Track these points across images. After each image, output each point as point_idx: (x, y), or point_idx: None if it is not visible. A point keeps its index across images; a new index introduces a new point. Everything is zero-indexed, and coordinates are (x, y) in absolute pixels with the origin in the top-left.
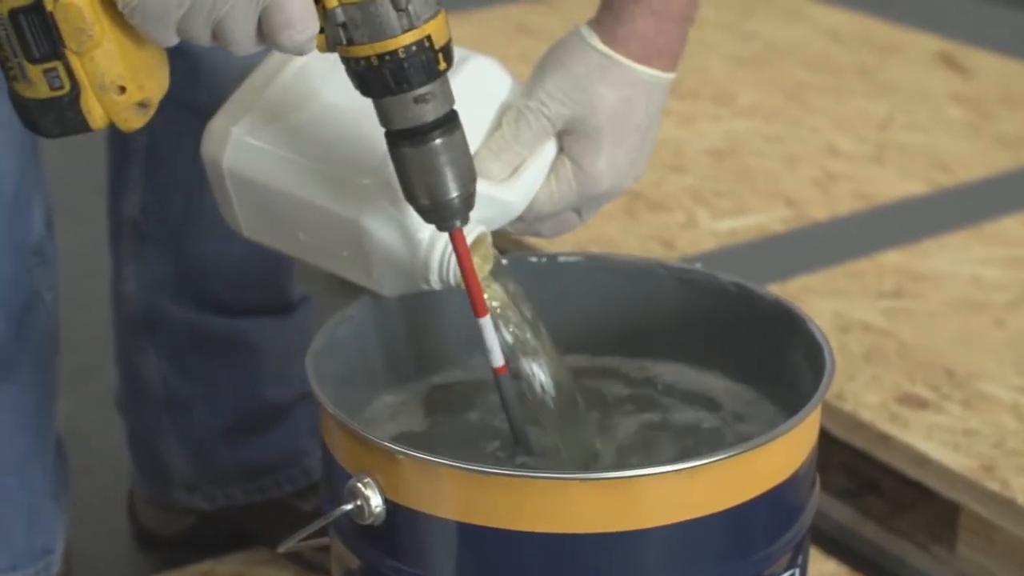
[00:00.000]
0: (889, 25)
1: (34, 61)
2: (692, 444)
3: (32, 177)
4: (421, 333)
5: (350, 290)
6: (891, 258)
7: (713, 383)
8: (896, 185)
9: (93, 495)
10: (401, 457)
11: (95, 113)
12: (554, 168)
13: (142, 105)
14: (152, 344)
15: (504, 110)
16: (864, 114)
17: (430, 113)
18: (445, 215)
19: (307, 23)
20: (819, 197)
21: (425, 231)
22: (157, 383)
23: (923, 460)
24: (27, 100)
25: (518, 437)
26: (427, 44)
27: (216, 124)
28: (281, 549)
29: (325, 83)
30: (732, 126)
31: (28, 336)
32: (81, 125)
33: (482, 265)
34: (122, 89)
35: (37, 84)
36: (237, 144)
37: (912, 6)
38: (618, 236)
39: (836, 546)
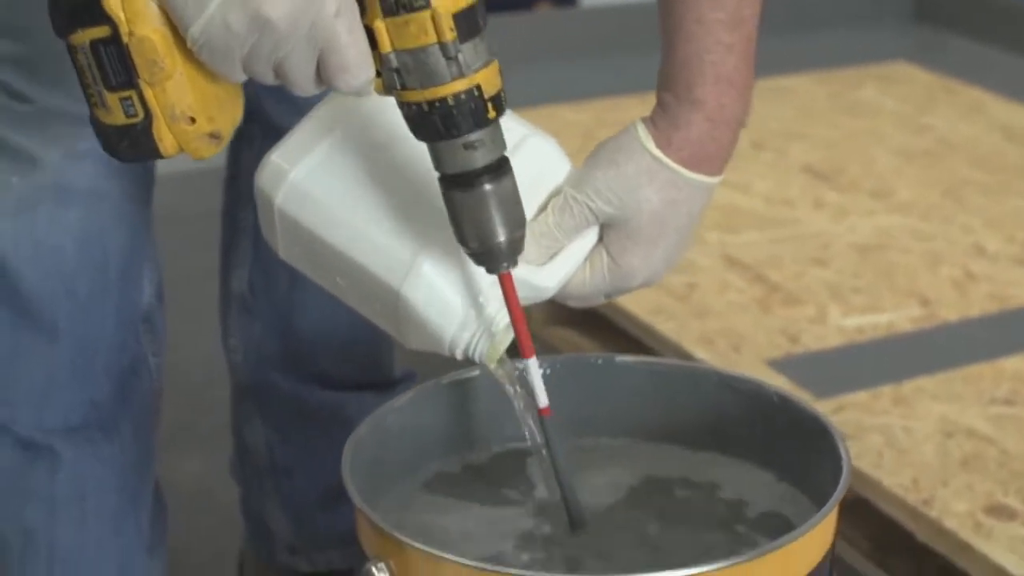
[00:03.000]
0: None
1: (111, 89)
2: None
3: (141, 251)
4: (472, 420)
5: (452, 368)
6: (1012, 364)
7: (754, 479)
8: None
9: (213, 551)
10: (408, 548)
11: (166, 141)
12: (590, 257)
13: (213, 136)
14: (259, 413)
15: (554, 194)
16: (1019, 215)
17: (479, 160)
18: (493, 258)
19: (362, 68)
20: (955, 298)
21: (459, 304)
22: (262, 450)
23: (1000, 573)
24: (106, 126)
25: (565, 490)
26: (476, 93)
27: (273, 159)
28: None
29: (393, 139)
30: (885, 221)
31: (131, 399)
32: (153, 152)
33: (498, 350)
34: (192, 120)
35: (114, 111)
36: (292, 188)
37: None
38: (746, 329)
39: None
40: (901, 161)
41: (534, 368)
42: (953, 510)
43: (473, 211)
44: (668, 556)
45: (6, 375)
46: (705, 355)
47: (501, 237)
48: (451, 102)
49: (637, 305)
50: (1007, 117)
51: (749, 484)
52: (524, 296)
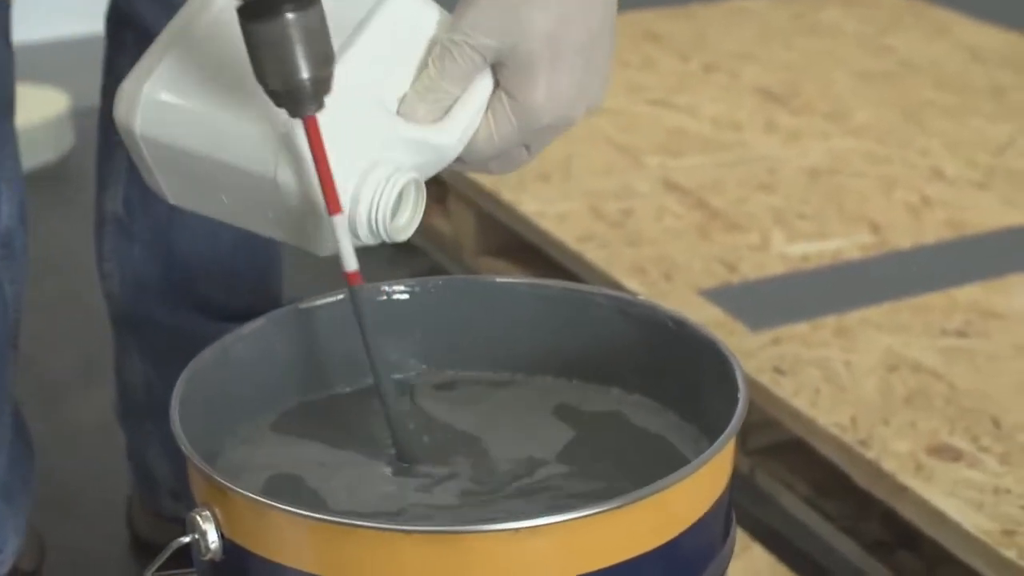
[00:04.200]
0: None
1: None
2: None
3: None
4: (334, 348)
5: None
6: (967, 293)
7: (647, 413)
8: (996, 214)
9: (108, 494)
10: (231, 493)
11: None
12: (491, 104)
13: None
14: (136, 346)
15: (432, 45)
16: (982, 137)
17: None
18: (296, 99)
19: None
20: (908, 223)
21: (349, 183)
22: (140, 388)
23: (940, 518)
24: None
25: (389, 411)
26: None
27: (126, 85)
28: (147, 574)
29: (238, 40)
30: (839, 144)
31: None
32: None
33: (412, 219)
34: None
35: None
36: (147, 104)
37: None
38: (681, 257)
39: None
40: (860, 83)
41: (341, 227)
42: (893, 451)
43: (273, 45)
44: (541, 499)
45: None
46: (635, 285)
47: (304, 74)
48: None
49: (567, 233)
50: (975, 38)
51: (641, 417)
52: (426, 162)
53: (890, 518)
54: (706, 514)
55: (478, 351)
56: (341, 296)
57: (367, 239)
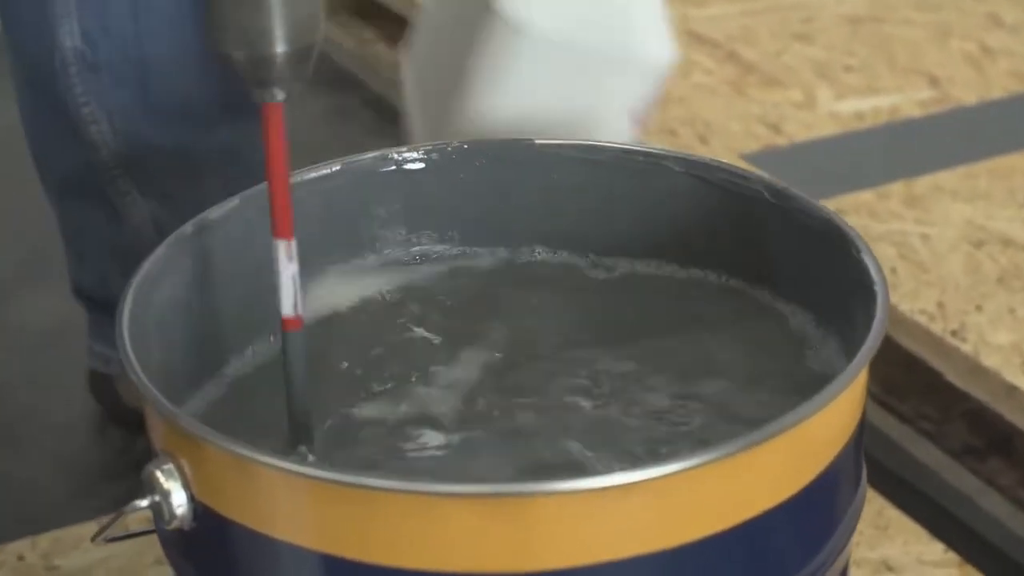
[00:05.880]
0: None
1: None
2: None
3: None
4: (322, 228)
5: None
6: None
7: (737, 310)
8: None
9: (64, 411)
10: (203, 441)
11: None
12: None
13: None
14: (135, 184)
15: None
16: None
17: None
18: (263, 75)
19: None
20: (971, 76)
21: None
22: (148, 226)
23: None
24: None
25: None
26: None
27: None
28: (94, 540)
29: None
30: None
31: None
32: None
33: None
34: None
35: None
36: None
37: None
38: (716, 117)
39: (948, 524)
40: None
41: (282, 256)
42: (992, 342)
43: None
44: (614, 434)
45: None
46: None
47: (280, 46)
48: None
49: None
50: None
51: (730, 317)
52: None
53: (978, 419)
54: (839, 454)
55: (521, 227)
56: (337, 167)
57: None
